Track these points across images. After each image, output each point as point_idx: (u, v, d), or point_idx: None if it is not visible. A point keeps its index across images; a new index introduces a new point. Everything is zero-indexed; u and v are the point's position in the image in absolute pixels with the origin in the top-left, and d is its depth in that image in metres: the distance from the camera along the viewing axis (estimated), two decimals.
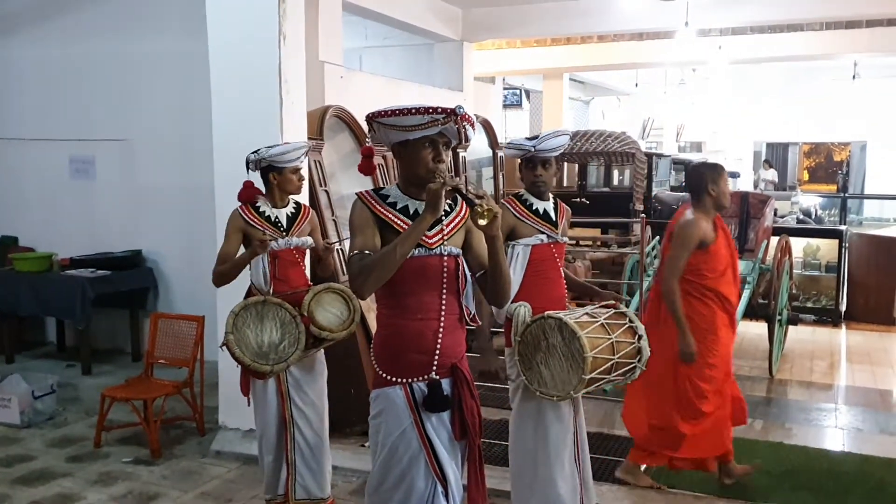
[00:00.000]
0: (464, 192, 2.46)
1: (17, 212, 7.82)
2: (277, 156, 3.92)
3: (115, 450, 5.15)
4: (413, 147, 2.55)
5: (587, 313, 3.61)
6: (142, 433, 5.19)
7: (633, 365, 3.66)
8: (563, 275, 3.84)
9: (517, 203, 3.75)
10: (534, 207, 3.74)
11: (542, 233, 3.71)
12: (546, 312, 3.52)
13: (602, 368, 3.48)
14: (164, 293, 7.38)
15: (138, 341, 7.27)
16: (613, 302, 3.73)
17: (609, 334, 3.52)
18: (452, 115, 2.49)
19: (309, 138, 5.27)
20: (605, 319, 3.58)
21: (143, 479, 4.69)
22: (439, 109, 2.49)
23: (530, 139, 3.69)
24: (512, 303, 3.66)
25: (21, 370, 6.09)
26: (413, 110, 2.49)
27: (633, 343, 3.64)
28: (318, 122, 5.73)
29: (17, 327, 7.41)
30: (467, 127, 2.55)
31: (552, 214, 3.77)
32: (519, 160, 3.81)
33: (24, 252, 7.47)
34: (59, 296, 6.81)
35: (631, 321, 3.67)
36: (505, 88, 16.31)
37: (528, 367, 3.55)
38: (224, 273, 3.97)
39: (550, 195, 3.81)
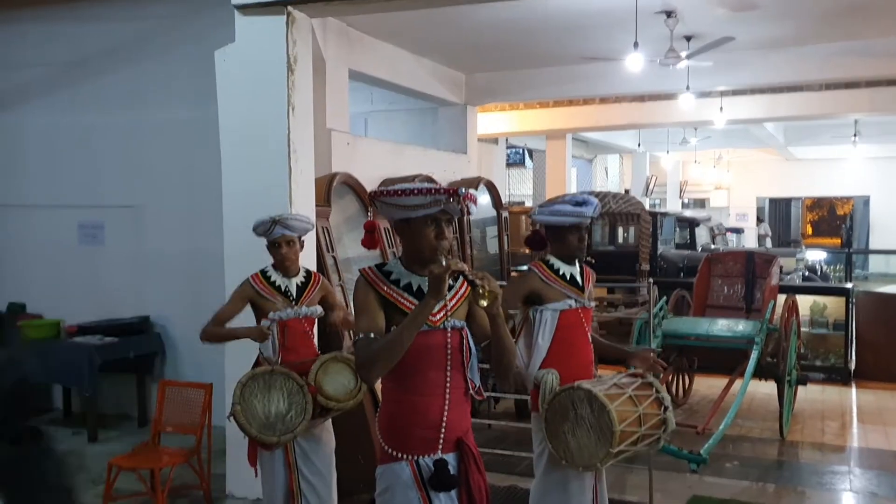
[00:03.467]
0: (466, 274, 2.48)
1: (25, 278, 7.86)
2: (254, 229, 4.02)
3: None
4: (416, 225, 2.57)
5: (615, 384, 3.61)
6: (149, 503, 5.13)
7: (657, 435, 3.66)
8: (590, 340, 3.83)
9: (544, 268, 3.76)
10: (561, 272, 3.75)
11: (570, 297, 3.72)
12: (576, 383, 3.53)
13: (629, 441, 3.48)
14: (171, 359, 7.37)
15: (145, 407, 7.24)
16: (641, 371, 3.73)
17: (637, 406, 3.53)
18: (455, 195, 2.52)
19: (317, 205, 5.34)
20: (632, 391, 3.58)
21: None
22: (441, 190, 2.52)
23: (579, 205, 3.68)
24: (539, 369, 3.66)
25: None
26: (416, 190, 2.52)
27: (659, 414, 3.64)
28: (326, 189, 5.81)
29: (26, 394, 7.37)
30: (470, 205, 2.58)
31: (579, 279, 3.78)
32: (539, 226, 3.81)
33: (32, 319, 7.49)
34: (67, 363, 6.79)
35: (657, 391, 3.68)
36: (508, 148, 16.51)
37: (554, 435, 3.55)
38: (215, 336, 4.04)
39: (577, 260, 3.82)
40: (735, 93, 11.39)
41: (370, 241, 2.74)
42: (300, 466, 3.97)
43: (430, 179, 7.56)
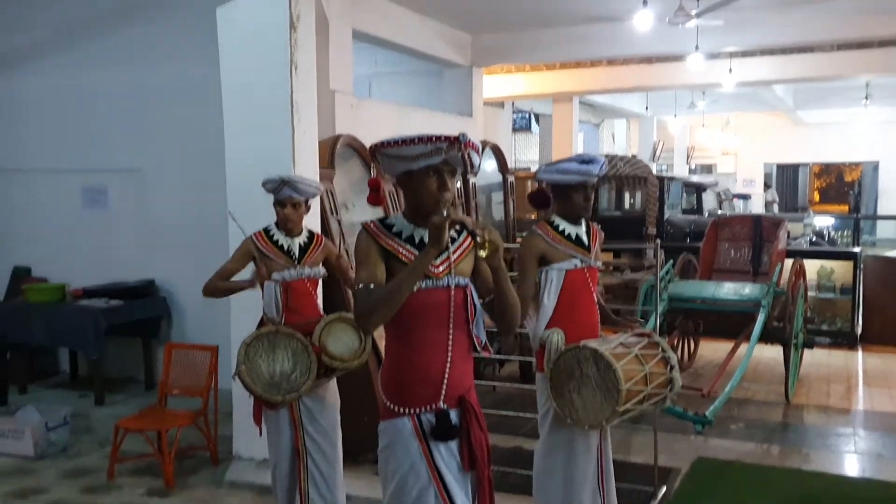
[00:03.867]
0: (468, 224, 2.45)
1: (29, 242, 7.86)
2: (263, 186, 4.00)
3: (128, 481, 5.12)
4: (417, 177, 2.53)
5: (621, 343, 3.61)
6: (155, 464, 5.17)
7: (663, 395, 3.66)
8: (596, 300, 3.81)
9: (549, 229, 3.72)
10: (566, 233, 3.71)
11: (576, 257, 3.69)
12: (581, 342, 3.51)
13: (635, 399, 3.48)
14: (177, 322, 7.39)
15: (151, 370, 7.27)
16: (647, 331, 3.72)
17: (643, 365, 3.53)
18: (456, 142, 2.47)
19: (320, 168, 5.29)
20: (638, 350, 3.57)
21: None
22: (442, 138, 2.47)
23: (585, 163, 3.65)
24: (545, 329, 3.65)
25: (34, 401, 6.10)
26: (416, 140, 2.47)
27: (665, 374, 3.64)
28: (329, 152, 5.76)
29: (29, 357, 7.42)
30: (472, 154, 2.52)
31: (585, 239, 3.75)
32: (543, 185, 3.77)
33: (37, 283, 7.50)
34: (72, 327, 6.82)
35: (664, 351, 3.67)
36: (514, 112, 16.38)
37: (559, 394, 3.55)
38: (216, 290, 4.08)
39: (583, 219, 3.78)
40: (744, 54, 11.22)
41: (375, 198, 2.70)
42: (305, 425, 3.97)
43: None
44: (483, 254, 2.38)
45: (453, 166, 2.55)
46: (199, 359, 5.44)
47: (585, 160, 3.67)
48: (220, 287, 4.07)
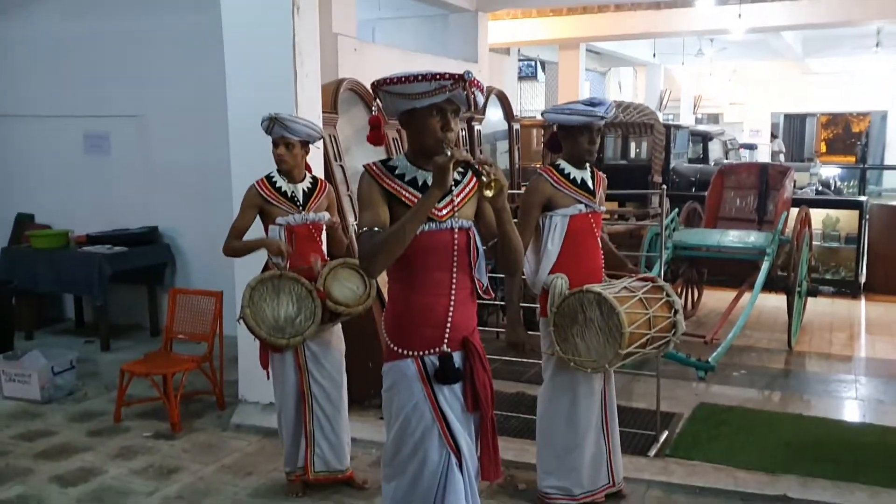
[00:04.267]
0: (472, 163, 2.41)
1: (32, 189, 7.84)
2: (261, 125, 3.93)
3: (134, 424, 5.18)
4: (420, 116, 2.49)
5: (625, 287, 3.62)
6: (161, 408, 5.22)
7: (667, 339, 3.68)
8: (600, 245, 3.79)
9: (555, 173, 3.69)
10: (572, 177, 3.68)
11: (581, 202, 3.67)
12: (585, 286, 3.52)
13: (638, 343, 3.50)
14: (181, 269, 7.40)
15: (156, 317, 7.31)
16: (651, 275, 3.72)
17: (647, 309, 3.54)
18: (460, 80, 2.43)
19: (323, 112, 5.24)
20: (643, 294, 3.58)
21: (164, 453, 4.73)
22: (447, 75, 2.43)
23: (592, 105, 3.60)
24: (549, 274, 3.64)
25: (40, 346, 6.14)
26: (419, 77, 2.42)
27: (669, 317, 3.65)
28: (333, 96, 5.69)
29: (35, 304, 7.45)
30: (476, 93, 2.49)
31: (590, 183, 3.72)
32: (554, 128, 3.73)
33: (41, 229, 7.50)
34: (77, 272, 6.83)
35: (668, 295, 3.68)
36: (520, 60, 16.17)
37: (563, 338, 3.57)
38: (235, 251, 4.04)
39: (588, 164, 3.75)
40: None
41: (375, 136, 2.66)
42: (310, 369, 3.99)
43: None
44: (489, 193, 2.35)
45: (457, 105, 2.51)
46: (203, 304, 5.46)
47: (593, 103, 3.63)
48: (239, 248, 4.02)
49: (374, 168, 2.57)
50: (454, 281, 2.56)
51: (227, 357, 5.48)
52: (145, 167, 7.38)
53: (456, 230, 2.55)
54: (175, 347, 5.58)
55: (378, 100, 2.59)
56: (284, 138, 3.91)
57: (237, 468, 4.50)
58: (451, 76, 2.43)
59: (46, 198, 7.77)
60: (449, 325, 2.56)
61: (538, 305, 3.79)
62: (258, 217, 4.03)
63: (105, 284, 6.69)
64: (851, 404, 5.51)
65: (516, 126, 9.27)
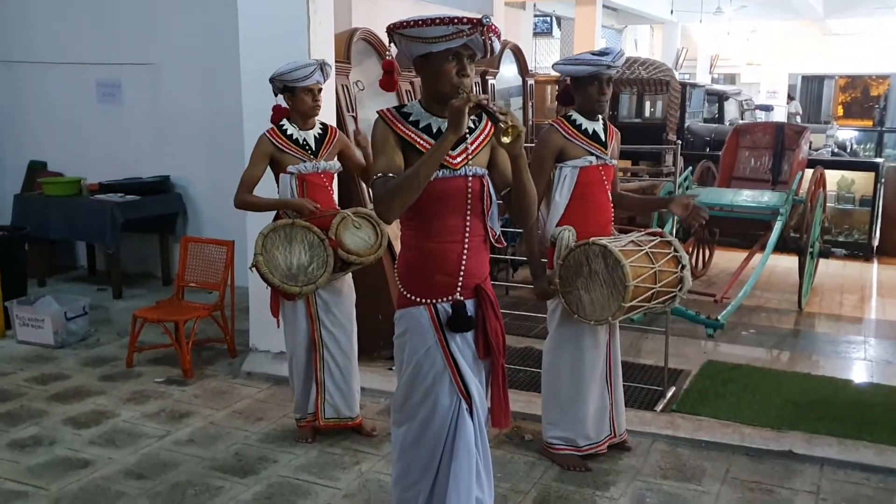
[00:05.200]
0: (489, 108, 2.39)
1: (45, 137, 7.84)
2: (286, 74, 3.86)
3: (147, 370, 5.24)
4: (436, 60, 2.46)
5: (632, 241, 3.61)
6: (173, 354, 5.27)
7: (673, 293, 3.67)
8: (611, 199, 3.78)
9: (566, 124, 3.67)
10: (583, 128, 3.66)
11: (592, 154, 3.65)
12: (591, 238, 3.52)
13: (643, 297, 3.50)
14: (193, 218, 7.41)
15: (168, 266, 7.35)
16: (660, 230, 3.71)
17: (653, 263, 3.54)
18: (478, 25, 2.40)
19: (336, 62, 5.19)
20: (649, 248, 3.57)
21: (175, 398, 4.79)
22: (464, 20, 2.39)
23: (598, 54, 3.57)
24: (557, 226, 3.64)
25: (53, 293, 6.19)
26: (437, 20, 2.39)
27: (676, 272, 3.64)
28: (346, 46, 5.63)
29: (48, 251, 7.50)
30: (493, 39, 2.45)
31: (602, 135, 3.69)
32: (569, 80, 3.69)
33: (53, 177, 7.51)
34: (89, 220, 6.87)
35: (675, 250, 3.67)
36: (536, 16, 15.97)
37: (568, 290, 3.57)
38: (253, 205, 4.00)
39: (600, 116, 3.72)
40: None
41: (388, 81, 2.63)
42: (322, 317, 4.02)
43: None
44: (506, 140, 2.32)
45: (473, 51, 2.48)
46: (215, 253, 5.48)
47: (602, 52, 3.58)
48: (259, 204, 3.98)
49: (388, 114, 2.56)
50: (468, 228, 2.56)
51: (239, 307, 5.52)
52: (157, 116, 7.36)
53: (470, 177, 2.54)
54: (187, 296, 5.62)
55: (393, 44, 2.56)
56: (319, 84, 3.89)
57: (248, 414, 4.56)
58: (469, 20, 2.40)
59: (59, 146, 7.77)
60: (462, 272, 2.56)
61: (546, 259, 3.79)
62: (269, 167, 4.02)
63: (117, 232, 6.72)
64: (860, 365, 5.51)
65: (531, 82, 9.18)
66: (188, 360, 5.10)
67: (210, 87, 6.93)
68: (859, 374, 5.34)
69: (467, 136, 2.55)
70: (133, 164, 7.40)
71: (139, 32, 7.25)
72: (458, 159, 2.53)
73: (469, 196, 2.55)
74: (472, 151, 2.56)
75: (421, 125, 2.54)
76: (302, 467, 3.91)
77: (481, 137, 2.60)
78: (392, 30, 2.49)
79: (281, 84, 3.91)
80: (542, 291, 3.69)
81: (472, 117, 2.57)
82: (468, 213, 2.55)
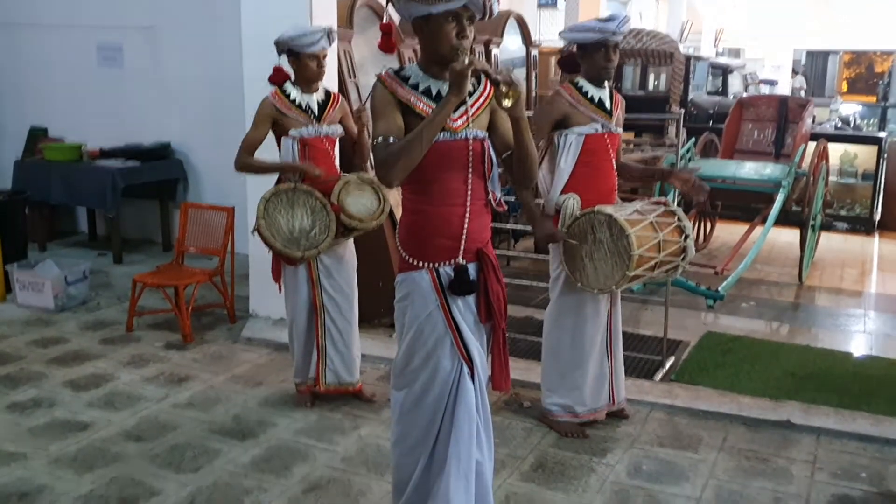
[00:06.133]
0: (490, 72, 2.37)
1: (45, 101, 7.78)
2: (293, 39, 3.82)
3: (146, 334, 5.25)
4: (435, 22, 2.42)
5: (637, 210, 3.60)
6: (173, 319, 5.28)
7: (676, 263, 3.67)
8: (616, 167, 3.77)
9: (573, 90, 3.65)
10: (589, 95, 3.64)
11: (597, 121, 3.63)
12: (596, 207, 3.51)
13: (646, 266, 3.50)
14: (193, 185, 7.39)
15: (168, 232, 7.34)
16: (664, 199, 3.69)
17: (657, 232, 3.53)
18: None
19: (338, 27, 5.14)
20: (654, 217, 3.56)
21: (175, 362, 4.80)
22: None
23: (604, 21, 3.54)
24: (561, 194, 3.62)
25: (53, 258, 6.18)
26: None
27: (679, 242, 3.64)
28: (348, 11, 5.58)
29: (48, 216, 7.49)
30: (493, 1, 2.43)
31: (607, 103, 3.67)
32: (574, 48, 3.67)
33: (54, 142, 7.48)
34: (90, 185, 6.85)
35: (679, 220, 3.66)
36: None
37: (571, 258, 3.57)
38: (251, 167, 3.98)
39: (607, 84, 3.70)
40: None
41: (386, 43, 2.60)
42: (323, 282, 4.01)
43: None
44: (507, 103, 2.31)
45: (473, 12, 2.45)
46: (215, 219, 5.47)
47: (605, 19, 3.56)
48: (256, 166, 3.96)
49: (387, 78, 2.53)
50: (469, 191, 2.54)
51: (239, 273, 5.52)
52: (158, 81, 7.30)
53: (470, 140, 2.53)
54: (187, 261, 5.62)
55: (391, 4, 2.52)
56: (325, 51, 3.87)
57: (247, 378, 4.57)
58: None
59: (60, 111, 7.72)
60: (464, 235, 2.55)
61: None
62: (270, 131, 3.99)
63: (118, 198, 6.71)
64: (859, 337, 5.53)
65: (535, 52, 9.11)
66: (188, 325, 5.11)
67: (211, 52, 6.88)
68: (858, 346, 5.35)
69: (467, 98, 2.53)
70: (134, 129, 7.36)
71: None
72: (459, 122, 2.51)
73: (470, 159, 2.53)
74: (473, 114, 2.54)
75: (420, 88, 2.52)
76: (301, 431, 3.92)
77: (481, 100, 2.58)
78: None
79: (286, 47, 3.88)
80: (547, 234, 3.63)
81: (472, 80, 2.54)
82: (469, 176, 2.54)
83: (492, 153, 2.58)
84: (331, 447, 3.76)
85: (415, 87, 2.52)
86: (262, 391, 4.39)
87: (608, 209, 3.52)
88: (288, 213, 3.78)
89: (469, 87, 2.48)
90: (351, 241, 4.10)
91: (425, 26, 2.46)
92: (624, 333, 4.16)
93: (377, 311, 5.12)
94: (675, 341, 5.09)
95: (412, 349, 2.63)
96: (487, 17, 2.48)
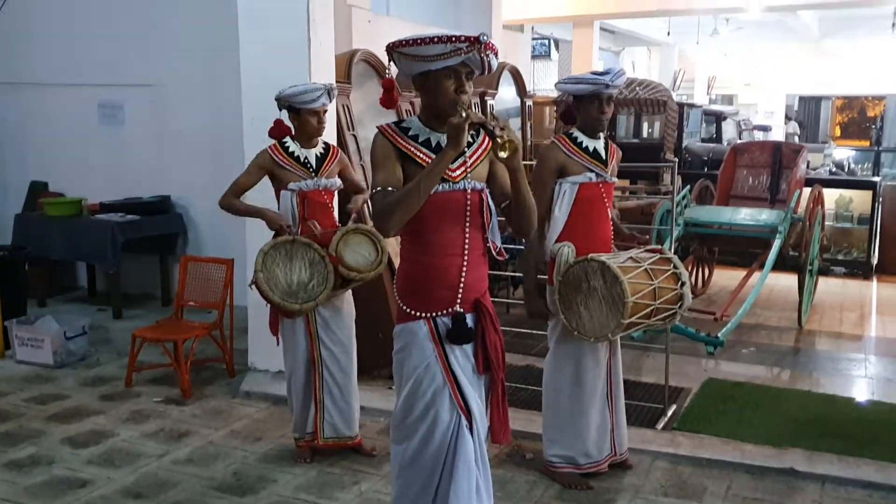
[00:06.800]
0: (487, 125, 2.42)
1: (47, 157, 7.87)
2: (294, 96, 3.90)
3: (146, 389, 5.23)
4: (435, 78, 2.49)
5: (631, 258, 3.61)
6: (172, 374, 5.26)
7: (673, 310, 3.67)
8: (610, 216, 3.80)
9: (567, 141, 3.70)
10: (584, 145, 3.69)
11: (592, 171, 3.67)
12: (590, 255, 3.52)
13: (642, 313, 3.49)
14: (193, 239, 7.42)
15: (168, 287, 7.34)
16: (659, 247, 3.71)
17: (652, 280, 3.53)
18: (476, 43, 2.42)
19: (337, 82, 5.22)
20: (648, 265, 3.58)
21: (174, 418, 4.77)
22: (462, 38, 2.42)
23: (599, 74, 3.61)
24: (556, 242, 3.65)
25: (53, 314, 6.18)
26: (435, 39, 2.42)
27: (676, 289, 3.64)
28: (346, 66, 5.68)
29: (49, 271, 7.50)
30: (491, 56, 2.48)
31: (602, 153, 3.72)
32: (570, 99, 3.73)
33: (55, 197, 7.53)
34: (90, 240, 6.87)
35: (675, 267, 3.67)
36: (534, 38, 16.06)
37: (567, 307, 3.58)
38: (233, 207, 4.03)
39: (601, 134, 3.75)
40: None
41: (388, 99, 2.65)
42: (321, 335, 4.02)
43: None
44: (503, 154, 2.36)
45: (472, 68, 2.51)
46: (214, 272, 5.48)
47: (600, 72, 3.63)
48: (239, 208, 4.02)
49: (388, 129, 2.58)
50: (467, 241, 2.57)
51: (238, 327, 5.51)
52: (159, 136, 7.38)
53: (469, 191, 2.56)
54: (186, 315, 5.62)
55: (392, 62, 2.58)
56: (325, 106, 3.94)
57: (246, 433, 4.54)
58: (467, 38, 2.43)
59: (61, 166, 7.80)
60: (462, 285, 2.57)
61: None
62: (270, 182, 4.04)
63: (117, 252, 6.73)
64: (861, 382, 5.50)
65: (529, 103, 9.23)
66: (187, 379, 5.09)
67: (211, 107, 6.97)
68: (860, 391, 5.32)
69: (466, 150, 2.57)
70: (134, 183, 7.42)
71: (142, 53, 7.30)
72: (457, 172, 2.55)
73: (468, 209, 2.56)
74: (471, 165, 2.59)
75: (420, 139, 2.56)
76: (301, 487, 3.89)
77: (479, 151, 2.63)
78: (392, 48, 2.52)
79: (286, 103, 3.95)
80: (535, 310, 3.72)
81: (471, 132, 2.59)
82: (467, 226, 2.57)
83: (490, 204, 2.62)
84: (331, 503, 3.72)
85: (415, 138, 2.57)
86: (262, 446, 4.36)
87: (602, 257, 3.54)
88: (286, 266, 3.80)
89: (468, 139, 2.53)
90: (349, 292, 4.11)
91: (425, 82, 2.52)
92: (625, 381, 4.14)
93: (377, 362, 5.11)
94: (676, 389, 5.06)
95: (411, 401, 2.63)
96: (486, 72, 2.54)
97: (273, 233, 3.98)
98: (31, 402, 5.03)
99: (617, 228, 3.96)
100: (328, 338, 4.03)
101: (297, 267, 3.80)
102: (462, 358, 2.61)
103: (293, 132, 4.01)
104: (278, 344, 4.13)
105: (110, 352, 6.00)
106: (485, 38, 2.44)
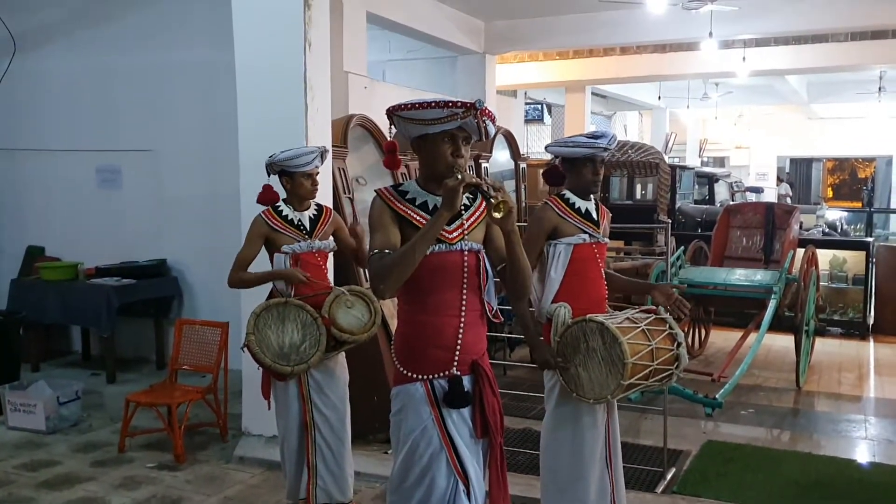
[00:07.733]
0: (481, 187, 2.45)
1: (44, 222, 7.91)
2: (287, 160, 3.94)
3: (139, 455, 5.16)
4: (432, 141, 2.54)
5: (628, 318, 3.60)
6: (165, 439, 5.20)
7: (670, 371, 3.65)
8: (604, 276, 3.81)
9: (560, 202, 3.73)
10: (576, 206, 3.72)
11: (585, 232, 3.69)
12: (587, 315, 3.51)
13: (641, 374, 3.47)
14: (188, 302, 7.42)
15: (163, 350, 7.30)
16: (654, 308, 3.71)
17: (649, 340, 3.51)
18: (472, 108, 2.48)
19: (333, 146, 5.29)
20: (645, 325, 3.56)
21: (167, 484, 4.70)
22: (458, 103, 2.48)
23: (593, 138, 3.66)
24: (552, 303, 3.65)
25: (46, 378, 6.13)
26: (433, 104, 2.48)
27: (672, 350, 3.63)
28: (343, 130, 5.76)
29: (43, 336, 7.47)
30: (487, 122, 2.53)
31: (594, 214, 3.75)
32: (558, 161, 3.77)
33: (51, 261, 7.55)
34: (85, 304, 6.87)
35: (671, 328, 3.66)
36: (527, 103, 16.33)
37: (565, 368, 3.55)
38: (245, 282, 4.01)
39: (592, 196, 3.79)
40: (759, 43, 11.18)
41: (391, 160, 2.69)
42: (314, 399, 3.97)
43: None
44: (497, 216, 2.39)
45: (468, 133, 2.56)
46: (209, 335, 5.47)
47: (595, 135, 3.67)
48: (250, 279, 4.01)
49: (386, 192, 2.61)
50: (464, 302, 2.58)
51: (232, 390, 5.47)
52: (156, 201, 7.45)
53: (465, 252, 2.58)
54: (180, 379, 5.57)
55: (392, 125, 2.63)
56: (317, 169, 3.99)
57: (240, 500, 4.47)
58: (463, 104, 2.49)
59: (57, 231, 7.84)
60: (459, 347, 2.56)
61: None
62: (263, 248, 4.05)
63: (113, 316, 6.71)
64: (861, 444, 5.46)
65: (523, 165, 9.34)
66: (180, 444, 5.03)
67: (208, 172, 7.04)
68: (861, 453, 5.28)
69: (463, 212, 2.60)
70: (131, 247, 7.45)
71: (139, 119, 7.41)
72: (454, 234, 2.57)
73: (465, 270, 2.58)
74: (468, 227, 2.61)
75: (417, 202, 2.60)
76: None
77: (476, 214, 2.65)
78: (391, 112, 2.57)
79: (279, 168, 3.99)
80: (544, 360, 3.66)
81: (468, 195, 2.63)
82: (464, 287, 2.58)
83: (487, 265, 2.63)
84: None
85: (412, 200, 2.60)
86: None
87: (599, 317, 3.53)
88: (278, 328, 3.78)
89: (465, 202, 2.56)
90: (342, 355, 4.08)
91: (423, 145, 2.57)
92: (623, 444, 4.09)
93: (372, 426, 5.06)
94: (675, 451, 5.01)
95: (407, 465, 2.60)
96: (483, 138, 2.59)
97: (268, 294, 3.98)
98: (21, 469, 4.95)
99: (616, 279, 3.97)
100: (321, 401, 3.99)
101: (290, 329, 3.79)
102: (459, 422, 2.58)
103: (283, 196, 4.04)
104: (269, 408, 4.08)
105: (104, 416, 5.94)
106: (480, 104, 2.50)
